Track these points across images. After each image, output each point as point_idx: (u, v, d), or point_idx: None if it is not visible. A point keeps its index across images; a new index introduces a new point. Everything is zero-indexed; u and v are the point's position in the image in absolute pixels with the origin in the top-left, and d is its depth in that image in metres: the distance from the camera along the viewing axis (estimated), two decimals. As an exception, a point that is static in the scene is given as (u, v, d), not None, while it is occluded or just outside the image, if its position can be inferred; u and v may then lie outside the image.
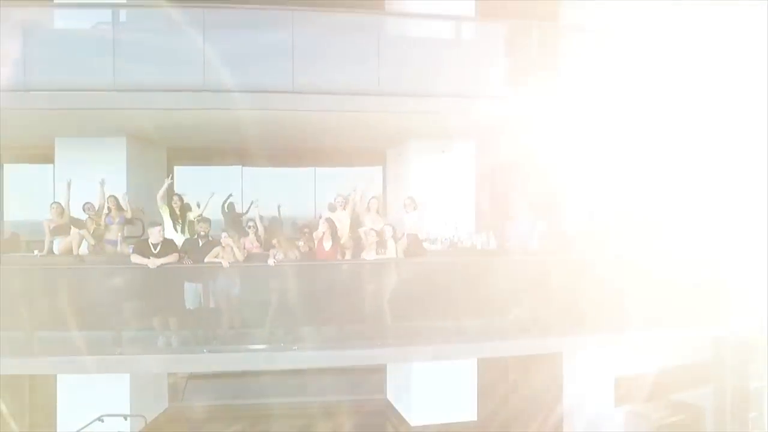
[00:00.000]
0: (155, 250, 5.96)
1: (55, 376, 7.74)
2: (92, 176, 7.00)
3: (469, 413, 8.21)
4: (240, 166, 9.33)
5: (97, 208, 6.91)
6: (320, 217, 6.94)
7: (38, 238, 7.16)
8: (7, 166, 8.97)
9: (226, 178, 9.15)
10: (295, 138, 8.23)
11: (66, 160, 7.65)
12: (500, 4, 8.03)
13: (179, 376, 8.98)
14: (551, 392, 9.14)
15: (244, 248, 6.35)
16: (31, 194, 8.49)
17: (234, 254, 6.06)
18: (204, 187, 7.39)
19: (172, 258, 5.97)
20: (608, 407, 9.08)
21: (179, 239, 6.48)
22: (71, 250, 6.60)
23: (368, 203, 7.20)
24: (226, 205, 7.76)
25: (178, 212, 6.65)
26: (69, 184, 6.86)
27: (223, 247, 6.05)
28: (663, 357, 8.80)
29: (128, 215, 6.97)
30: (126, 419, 7.61)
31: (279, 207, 7.77)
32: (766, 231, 7.62)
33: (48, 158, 7.94)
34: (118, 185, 7.39)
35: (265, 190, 8.58)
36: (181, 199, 6.73)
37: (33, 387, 8.45)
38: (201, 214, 6.64)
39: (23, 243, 7.88)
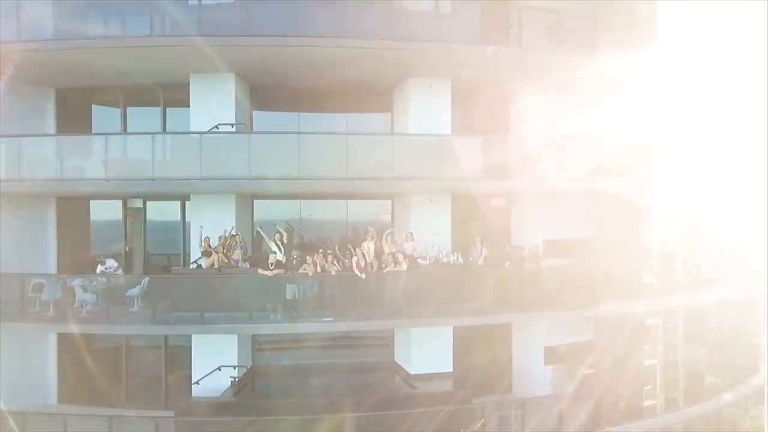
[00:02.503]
0: (271, 266, 11.27)
1: (191, 343, 12.97)
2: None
3: (447, 366, 13.49)
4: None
5: (225, 240, 12.18)
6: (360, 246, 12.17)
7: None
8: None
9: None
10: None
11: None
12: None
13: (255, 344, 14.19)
14: (503, 354, 14.49)
15: (317, 264, 11.62)
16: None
17: (314, 268, 11.37)
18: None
19: (280, 271, 11.26)
20: (540, 365, 14.41)
21: (281, 257, 11.75)
22: (213, 264, 11.86)
23: (385, 236, 12.47)
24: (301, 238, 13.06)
25: (280, 243, 11.90)
26: (201, 231, 12.13)
27: (308, 264, 11.35)
28: (572, 334, 14.17)
29: (245, 246, 12.26)
30: (234, 369, 12.92)
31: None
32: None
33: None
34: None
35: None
36: (282, 235, 11.97)
37: (170, 350, 13.79)
38: (297, 243, 11.93)
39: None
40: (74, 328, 11.76)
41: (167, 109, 14.11)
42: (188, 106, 13.08)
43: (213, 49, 11.36)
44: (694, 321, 15.28)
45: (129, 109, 14.38)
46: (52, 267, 14.10)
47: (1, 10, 11.68)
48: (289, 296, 11.38)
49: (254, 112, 14.25)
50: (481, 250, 12.32)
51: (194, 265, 12.34)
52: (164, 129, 13.81)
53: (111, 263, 12.69)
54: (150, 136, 12.34)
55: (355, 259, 11.55)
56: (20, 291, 11.80)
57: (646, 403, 14.13)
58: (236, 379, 12.77)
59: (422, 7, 12.64)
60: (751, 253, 18.12)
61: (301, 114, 14.55)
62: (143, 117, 14.50)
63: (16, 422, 11.77)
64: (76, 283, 12.02)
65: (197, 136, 12.20)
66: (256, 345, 13.98)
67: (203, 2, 12.02)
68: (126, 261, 13.97)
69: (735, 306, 16.77)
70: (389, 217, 14.76)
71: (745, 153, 18.26)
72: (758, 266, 18.88)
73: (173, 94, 13.79)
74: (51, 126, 14.01)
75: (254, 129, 13.94)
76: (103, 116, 14.69)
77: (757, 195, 18.31)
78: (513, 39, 13.01)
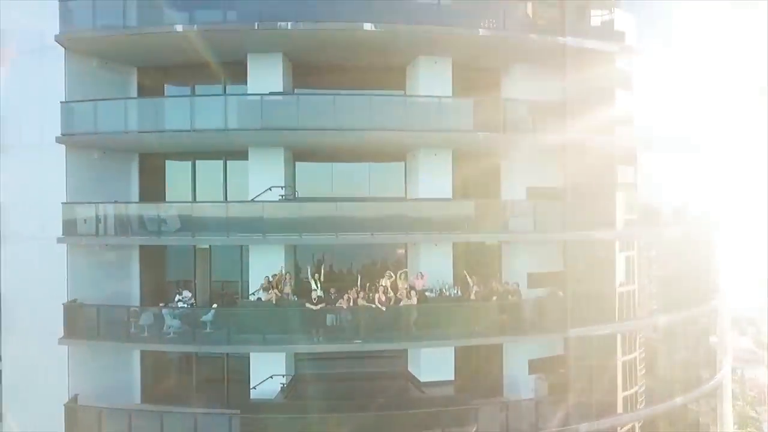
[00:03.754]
0: (314, 301, 15.21)
1: (248, 355, 16.89)
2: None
3: (449, 375, 17.34)
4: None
5: (278, 278, 16.12)
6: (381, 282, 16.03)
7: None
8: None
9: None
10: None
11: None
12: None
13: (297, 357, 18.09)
14: (495, 365, 18.30)
15: (350, 299, 15.53)
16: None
17: (347, 302, 15.30)
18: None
19: (322, 305, 15.21)
20: (525, 374, 18.20)
21: (321, 293, 15.67)
22: (272, 299, 15.80)
23: (399, 274, 16.34)
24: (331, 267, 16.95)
25: (319, 281, 15.82)
26: (264, 281, 16.07)
27: (343, 299, 15.29)
28: (550, 350, 17.94)
29: (291, 282, 16.20)
30: (283, 377, 16.86)
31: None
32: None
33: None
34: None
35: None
36: (320, 274, 15.88)
37: (230, 360, 17.76)
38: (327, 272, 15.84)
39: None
40: (165, 348, 15.82)
41: (227, 85, 17.99)
42: (245, 83, 17.01)
43: (267, 34, 15.47)
44: (650, 338, 19.02)
45: (197, 87, 18.44)
46: (136, 294, 18.14)
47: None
48: (328, 323, 15.33)
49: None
50: (473, 287, 16.19)
51: (254, 297, 16.31)
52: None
53: (186, 294, 16.72)
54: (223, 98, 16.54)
55: (377, 295, 15.45)
56: (126, 317, 15.89)
57: (614, 399, 17.88)
58: (284, 385, 16.73)
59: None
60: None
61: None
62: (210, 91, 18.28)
63: (117, 418, 15.86)
64: (165, 311, 16.05)
65: (258, 97, 16.27)
66: (299, 357, 17.89)
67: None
68: (195, 289, 17.95)
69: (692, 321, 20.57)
70: (405, 258, 18.49)
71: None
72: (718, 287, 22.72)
73: (233, 72, 17.45)
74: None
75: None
76: (173, 92, 18.83)
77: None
78: (499, 23, 16.67)
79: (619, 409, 17.75)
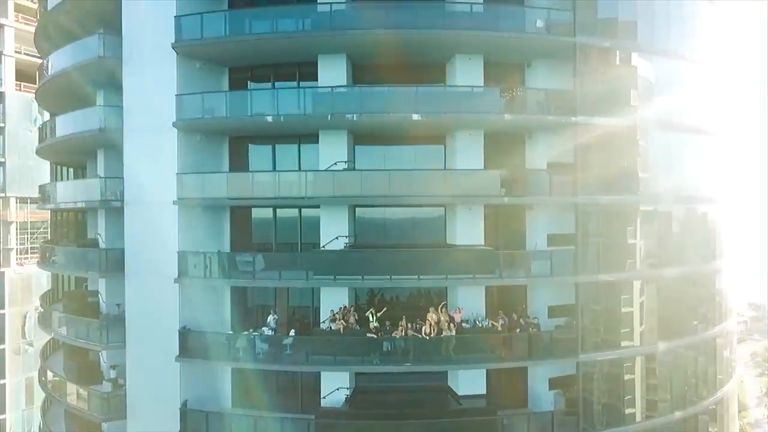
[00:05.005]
0: (374, 330, 19.51)
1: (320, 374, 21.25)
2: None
3: (482, 389, 21.39)
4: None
5: (343, 311, 20.47)
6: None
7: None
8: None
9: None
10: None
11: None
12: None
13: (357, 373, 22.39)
14: (520, 382, 22.23)
15: (402, 329, 19.76)
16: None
17: (400, 332, 19.55)
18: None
19: (380, 333, 19.50)
20: (546, 390, 22.09)
21: (377, 325, 19.95)
22: (339, 328, 20.15)
23: (440, 308, 20.48)
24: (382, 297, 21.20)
25: (375, 315, 20.09)
26: (330, 314, 20.43)
27: (397, 329, 19.54)
28: (566, 370, 21.78)
29: (354, 314, 20.53)
30: (347, 389, 21.21)
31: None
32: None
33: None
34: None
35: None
36: (376, 308, 20.16)
37: (303, 374, 22.17)
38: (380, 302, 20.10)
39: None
40: (257, 366, 20.40)
41: (300, 82, 22.61)
42: (316, 80, 21.47)
43: (334, 38, 20.18)
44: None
45: (276, 83, 22.94)
46: (228, 319, 22.72)
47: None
48: (384, 349, 19.62)
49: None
50: (500, 320, 20.25)
51: (325, 325, 20.69)
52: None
53: (271, 321, 21.26)
54: (300, 90, 21.40)
55: (424, 327, 19.68)
56: (225, 340, 20.54)
57: (620, 412, 21.66)
58: (348, 396, 21.07)
59: (465, 8, 20.78)
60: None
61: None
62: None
63: (219, 420, 20.49)
64: (256, 336, 20.63)
65: (328, 89, 21.03)
66: (360, 373, 22.13)
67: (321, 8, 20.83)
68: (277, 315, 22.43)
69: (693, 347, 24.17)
70: (446, 295, 22.54)
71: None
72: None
73: (305, 71, 22.21)
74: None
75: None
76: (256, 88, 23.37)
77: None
78: (520, 25, 21.01)
79: (624, 421, 21.54)
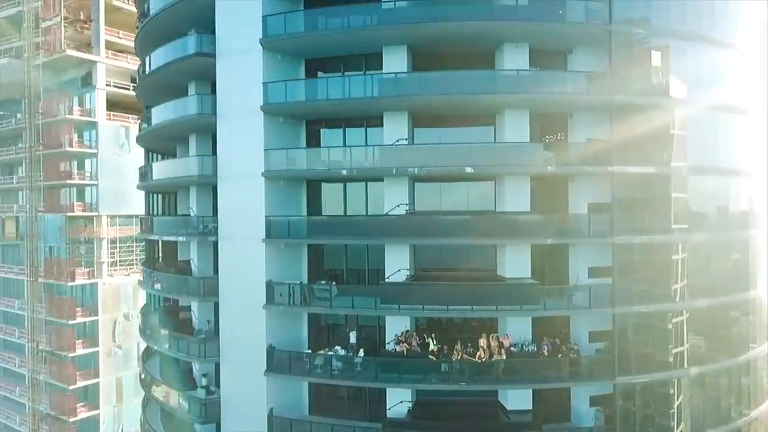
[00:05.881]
0: (432, 353, 22.72)
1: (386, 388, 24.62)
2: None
3: (528, 405, 24.25)
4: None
5: (406, 335, 23.74)
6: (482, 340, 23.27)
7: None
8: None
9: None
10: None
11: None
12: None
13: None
14: (563, 399, 24.95)
15: (458, 353, 22.89)
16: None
17: (457, 355, 22.70)
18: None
19: (438, 358, 22.71)
20: (587, 406, 24.77)
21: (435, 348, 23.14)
22: (403, 350, 23.44)
23: (491, 336, 23.49)
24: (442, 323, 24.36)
25: (434, 339, 23.27)
26: (394, 337, 23.75)
27: (454, 352, 22.69)
28: (604, 390, 24.40)
29: (416, 338, 23.78)
30: (410, 402, 24.48)
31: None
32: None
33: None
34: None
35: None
36: (435, 333, 23.35)
37: (370, 388, 25.62)
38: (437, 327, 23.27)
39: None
40: (333, 382, 23.95)
41: (366, 71, 25.71)
42: (380, 69, 24.57)
43: (397, 31, 23.59)
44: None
45: (346, 72, 26.24)
46: (305, 337, 26.41)
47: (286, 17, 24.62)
48: (442, 369, 22.80)
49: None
50: (545, 345, 23.12)
51: (390, 347, 24.03)
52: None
53: (352, 335, 24.76)
54: (368, 77, 24.65)
55: (478, 352, 22.77)
56: (305, 358, 24.21)
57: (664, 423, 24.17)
58: (410, 408, 24.34)
59: (511, 1, 23.73)
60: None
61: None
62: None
63: (301, 427, 24.18)
64: (332, 355, 24.19)
65: (392, 75, 24.23)
66: (420, 388, 25.44)
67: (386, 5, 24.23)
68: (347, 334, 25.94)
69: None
70: (496, 322, 25.48)
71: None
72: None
73: (371, 62, 25.25)
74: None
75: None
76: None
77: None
78: (560, 15, 23.78)
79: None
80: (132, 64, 52.33)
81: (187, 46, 27.31)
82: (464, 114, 25.55)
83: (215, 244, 27.05)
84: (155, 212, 37.55)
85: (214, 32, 26.30)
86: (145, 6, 31.73)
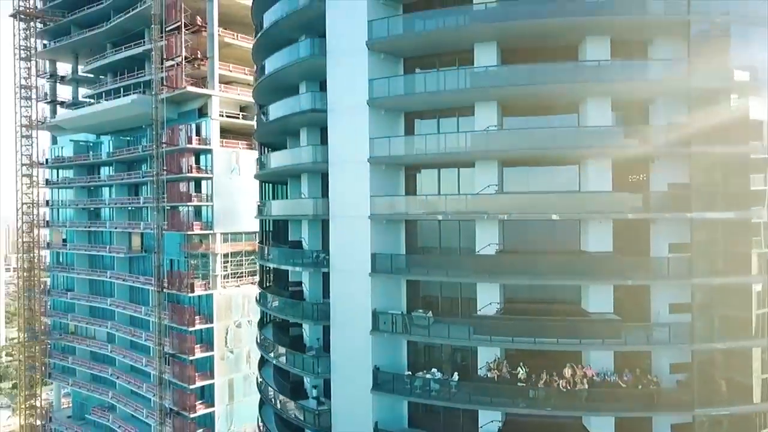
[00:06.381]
0: (521, 380, 25.45)
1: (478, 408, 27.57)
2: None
3: (611, 428, 26.42)
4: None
5: (497, 363, 26.55)
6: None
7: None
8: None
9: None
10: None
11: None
12: None
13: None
14: (645, 426, 26.90)
15: (545, 380, 25.47)
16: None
17: (543, 382, 25.30)
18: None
19: (526, 383, 25.41)
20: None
21: (524, 375, 25.82)
22: (494, 376, 26.30)
23: (575, 366, 25.86)
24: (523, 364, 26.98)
25: (523, 368, 25.95)
26: (486, 364, 26.63)
27: (541, 380, 25.31)
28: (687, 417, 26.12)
29: (506, 366, 26.54)
30: (499, 422, 27.29)
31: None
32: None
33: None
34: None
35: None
36: (523, 362, 26.03)
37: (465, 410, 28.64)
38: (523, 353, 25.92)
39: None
40: (431, 402, 27.17)
41: (459, 66, 28.49)
42: (471, 65, 27.72)
43: (488, 29, 26.52)
44: None
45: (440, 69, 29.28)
46: (404, 361, 29.77)
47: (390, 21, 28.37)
48: (530, 395, 25.47)
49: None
50: (625, 376, 25.24)
51: (482, 372, 26.95)
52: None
53: (436, 371, 27.93)
54: (457, 72, 27.56)
55: (562, 381, 25.26)
56: (405, 379, 27.58)
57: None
58: (500, 428, 27.15)
59: None
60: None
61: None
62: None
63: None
64: (430, 377, 27.42)
65: (483, 68, 27.32)
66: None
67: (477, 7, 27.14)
68: (442, 359, 29.07)
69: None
70: (580, 353, 27.71)
71: None
72: None
73: (463, 58, 28.42)
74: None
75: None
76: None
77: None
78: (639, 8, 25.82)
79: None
80: (241, 95, 58.13)
81: (299, 50, 32.06)
82: (549, 103, 27.99)
83: (326, 274, 31.07)
84: (267, 200, 41.99)
85: (321, 37, 30.61)
86: (261, 18, 36.65)
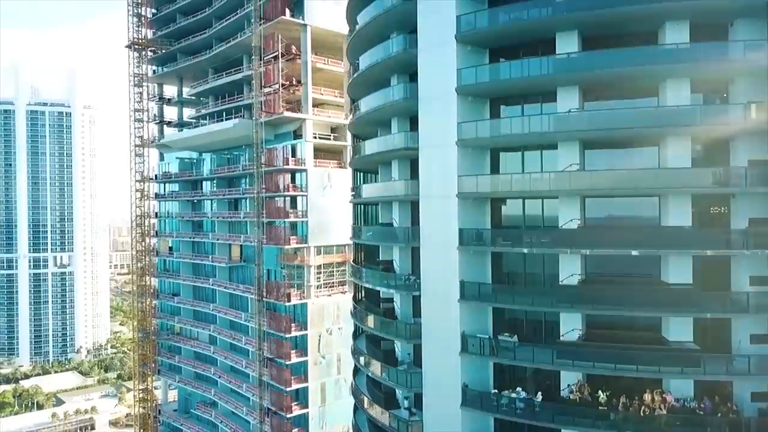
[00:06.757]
0: (602, 403, 27.38)
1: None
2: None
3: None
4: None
5: (579, 386, 28.54)
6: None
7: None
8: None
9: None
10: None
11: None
12: None
13: None
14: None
15: (625, 406, 27.27)
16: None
17: (624, 408, 27.14)
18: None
19: (606, 407, 27.33)
20: None
21: (604, 399, 27.71)
22: (576, 399, 28.32)
23: (654, 391, 27.45)
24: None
25: (605, 393, 27.85)
26: (568, 388, 28.67)
27: (621, 405, 27.17)
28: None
29: (588, 390, 28.50)
30: (581, 441, 29.24)
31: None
32: None
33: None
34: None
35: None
36: (604, 387, 27.92)
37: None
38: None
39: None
40: (517, 419, 29.52)
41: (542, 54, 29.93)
42: (553, 53, 29.41)
43: (570, 18, 28.51)
44: None
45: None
46: (490, 379, 32.24)
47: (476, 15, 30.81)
48: (611, 418, 27.30)
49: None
50: (704, 403, 26.61)
51: (564, 394, 29.01)
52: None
53: (521, 390, 30.22)
54: (539, 60, 29.48)
55: (642, 406, 26.99)
56: (492, 398, 30.09)
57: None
58: (582, 446, 29.16)
59: None
60: None
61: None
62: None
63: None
64: (515, 396, 29.78)
65: (565, 55, 29.11)
66: (589, 428, 30.06)
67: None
68: (526, 379, 31.32)
69: None
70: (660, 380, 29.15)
71: None
72: None
73: (545, 47, 29.94)
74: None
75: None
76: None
77: None
78: None
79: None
80: (332, 117, 62.10)
81: (392, 46, 35.60)
82: (629, 86, 29.41)
83: (417, 296, 34.03)
84: (361, 223, 45.60)
85: (411, 32, 33.61)
86: (355, 19, 40.60)
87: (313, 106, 61.47)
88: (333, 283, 62.61)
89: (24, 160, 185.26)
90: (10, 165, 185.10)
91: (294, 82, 60.57)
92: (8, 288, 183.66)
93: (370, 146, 40.19)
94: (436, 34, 32.11)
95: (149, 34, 76.65)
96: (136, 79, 74.65)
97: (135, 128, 74.66)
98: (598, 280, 29.69)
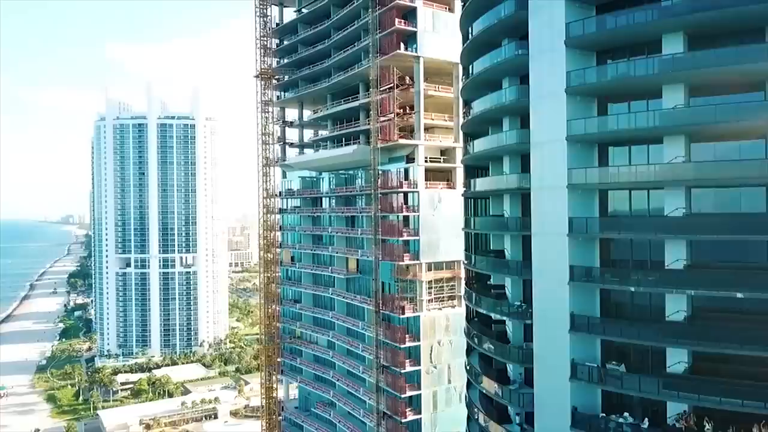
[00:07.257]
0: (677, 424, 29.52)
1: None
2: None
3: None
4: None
5: (683, 416, 30.72)
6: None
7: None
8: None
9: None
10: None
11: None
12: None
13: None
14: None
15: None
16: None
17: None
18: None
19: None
20: None
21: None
22: (682, 428, 30.56)
23: (761, 426, 29.15)
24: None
25: (710, 423, 29.88)
26: (675, 415, 30.90)
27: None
28: None
29: (694, 418, 30.64)
30: None
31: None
32: None
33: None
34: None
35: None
36: (710, 418, 29.96)
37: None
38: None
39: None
40: (623, 441, 32.17)
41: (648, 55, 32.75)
42: (659, 53, 31.78)
43: (676, 21, 30.59)
44: None
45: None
46: (599, 404, 34.91)
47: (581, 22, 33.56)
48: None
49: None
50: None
51: (670, 421, 31.25)
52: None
53: (628, 416, 32.73)
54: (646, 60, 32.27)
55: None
56: (601, 420, 32.88)
57: None
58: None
59: None
60: None
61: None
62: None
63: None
64: (622, 423, 32.39)
65: (670, 56, 31.30)
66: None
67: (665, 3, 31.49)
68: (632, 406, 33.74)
69: None
70: None
71: None
72: None
73: (650, 47, 32.56)
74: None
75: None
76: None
77: None
78: None
79: None
80: (442, 141, 66.20)
81: (504, 52, 39.40)
82: (733, 82, 30.45)
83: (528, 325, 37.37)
84: (472, 216, 49.14)
85: (522, 39, 37.12)
86: (467, 28, 44.64)
87: (425, 130, 65.75)
88: (443, 297, 66.61)
89: (155, 169, 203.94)
90: (144, 174, 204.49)
91: (407, 110, 65.13)
92: (142, 286, 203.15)
93: (483, 143, 44.11)
94: (546, 40, 35.16)
95: (273, 63, 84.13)
96: (262, 105, 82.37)
97: (262, 150, 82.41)
98: (704, 316, 31.60)
